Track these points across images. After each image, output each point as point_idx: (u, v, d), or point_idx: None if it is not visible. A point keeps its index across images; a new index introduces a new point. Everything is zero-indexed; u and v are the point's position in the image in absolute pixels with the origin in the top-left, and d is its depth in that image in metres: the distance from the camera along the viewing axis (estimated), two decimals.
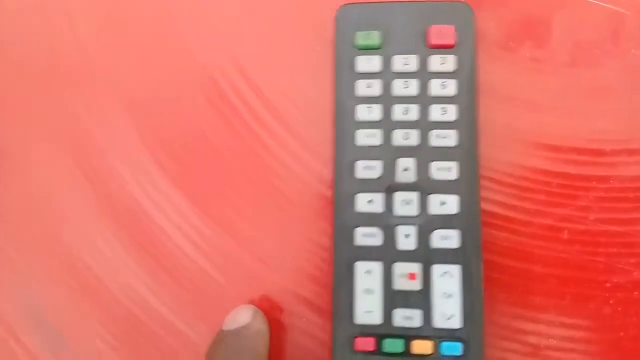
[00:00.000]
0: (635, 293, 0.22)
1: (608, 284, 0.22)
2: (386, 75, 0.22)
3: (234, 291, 0.23)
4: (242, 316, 0.22)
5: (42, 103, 0.26)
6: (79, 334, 0.24)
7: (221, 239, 0.24)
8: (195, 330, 0.23)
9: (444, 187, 0.21)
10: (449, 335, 0.21)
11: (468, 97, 0.22)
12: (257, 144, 0.24)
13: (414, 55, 0.22)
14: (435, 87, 0.22)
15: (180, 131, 0.25)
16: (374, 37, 0.22)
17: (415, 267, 0.21)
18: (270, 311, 0.23)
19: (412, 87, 0.22)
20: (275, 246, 0.23)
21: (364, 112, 0.22)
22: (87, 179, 0.25)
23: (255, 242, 0.24)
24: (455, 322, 0.21)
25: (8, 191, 0.25)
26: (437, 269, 0.21)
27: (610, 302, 0.22)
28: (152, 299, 0.24)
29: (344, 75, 0.23)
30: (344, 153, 0.22)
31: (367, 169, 0.22)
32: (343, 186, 0.22)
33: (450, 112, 0.22)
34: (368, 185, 0.22)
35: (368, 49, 0.22)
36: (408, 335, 0.21)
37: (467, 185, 0.21)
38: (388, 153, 0.22)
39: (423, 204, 0.21)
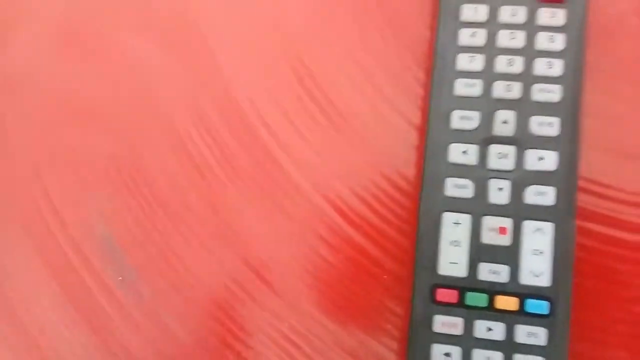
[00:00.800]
0: None
1: None
2: (492, 25, 0.22)
3: None
4: None
5: None
6: None
7: None
8: None
9: (543, 142, 0.21)
10: (536, 293, 0.20)
11: (576, 53, 0.21)
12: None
13: (523, 7, 0.21)
14: (542, 41, 0.21)
15: None
16: None
17: (506, 222, 0.21)
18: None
19: (518, 39, 0.21)
20: None
21: (465, 62, 0.22)
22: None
23: None
24: (544, 280, 0.20)
25: None
26: (528, 225, 0.20)
27: None
28: None
29: (447, 23, 0.22)
30: (440, 102, 0.22)
31: (464, 119, 0.21)
32: (436, 135, 0.22)
33: (556, 67, 0.21)
34: (463, 136, 0.21)
35: None
36: (493, 290, 0.21)
37: (568, 143, 0.21)
38: (487, 104, 0.21)
39: (519, 159, 0.21)
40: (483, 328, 0.20)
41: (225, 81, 0.25)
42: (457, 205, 0.21)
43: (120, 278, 0.23)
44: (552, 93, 0.21)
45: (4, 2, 0.27)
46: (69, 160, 0.25)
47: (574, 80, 0.21)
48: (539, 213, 0.21)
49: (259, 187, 0.24)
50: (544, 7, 0.21)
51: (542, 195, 0.21)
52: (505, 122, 0.21)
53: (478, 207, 0.21)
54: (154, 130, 0.25)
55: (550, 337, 0.20)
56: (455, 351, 0.20)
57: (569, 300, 0.20)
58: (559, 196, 0.21)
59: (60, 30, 0.26)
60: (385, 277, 0.23)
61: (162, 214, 0.24)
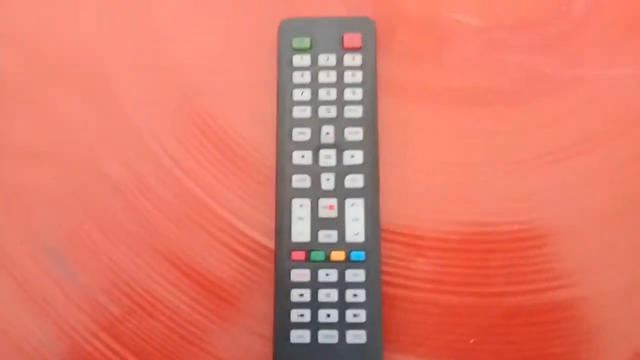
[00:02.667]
0: None
1: None
2: (314, 68, 0.32)
3: None
4: None
5: None
6: None
7: None
8: None
9: (353, 145, 0.31)
10: (356, 247, 0.30)
11: (371, 83, 0.31)
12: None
13: (333, 54, 0.32)
14: (348, 76, 0.31)
15: None
16: (305, 42, 0.32)
17: (333, 201, 0.30)
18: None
19: (332, 76, 0.31)
20: None
21: (298, 94, 0.31)
22: None
23: None
24: (360, 238, 0.30)
25: None
26: (348, 202, 0.30)
27: None
28: None
29: (284, 68, 0.32)
30: (284, 123, 0.31)
31: (301, 134, 0.31)
32: (283, 146, 0.31)
33: (358, 93, 0.31)
34: (301, 145, 0.31)
35: (301, 50, 0.32)
36: (328, 248, 0.30)
37: (369, 144, 0.31)
38: (315, 122, 0.31)
39: (339, 158, 0.31)
40: (323, 274, 0.30)
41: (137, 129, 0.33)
42: (301, 193, 0.31)
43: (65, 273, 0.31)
44: (356, 112, 0.31)
45: None
46: (15, 193, 0.33)
47: (370, 101, 0.31)
48: (354, 193, 0.30)
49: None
50: (347, 52, 0.31)
51: (355, 181, 0.30)
52: (328, 133, 0.31)
53: (314, 193, 0.31)
54: (83, 169, 0.33)
55: (367, 275, 0.30)
56: (306, 292, 0.29)
57: (379, 249, 0.30)
58: (365, 180, 0.30)
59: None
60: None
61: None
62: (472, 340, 0.30)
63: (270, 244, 0.31)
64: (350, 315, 0.29)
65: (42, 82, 0.34)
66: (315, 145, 0.31)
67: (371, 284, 0.29)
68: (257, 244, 0.32)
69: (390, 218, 0.31)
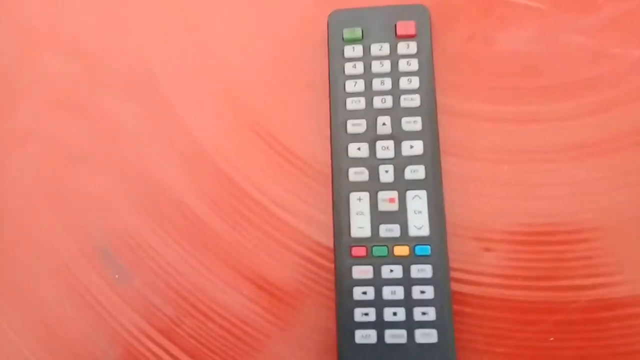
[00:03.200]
0: None
1: None
2: (366, 58, 0.31)
3: None
4: None
5: None
6: None
7: None
8: None
9: (412, 135, 0.29)
10: (421, 241, 0.28)
11: (427, 71, 0.30)
12: None
13: (386, 43, 0.31)
14: (403, 65, 0.30)
15: None
16: (356, 32, 0.31)
17: (393, 194, 0.29)
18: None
19: (385, 66, 0.30)
20: None
21: (351, 86, 0.30)
22: None
23: None
24: (425, 231, 0.28)
25: None
26: (409, 194, 0.29)
27: None
28: None
29: (336, 60, 0.31)
30: (338, 115, 0.30)
31: (355, 126, 0.30)
32: (338, 139, 0.30)
33: (414, 82, 0.30)
34: (356, 137, 0.30)
35: (353, 41, 0.31)
36: (391, 243, 0.28)
37: (429, 132, 0.29)
38: (370, 113, 0.30)
39: (397, 149, 0.29)
40: (387, 271, 0.28)
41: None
42: (359, 186, 0.29)
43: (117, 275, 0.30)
44: (413, 101, 0.30)
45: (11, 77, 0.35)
46: (70, 197, 0.32)
47: (428, 89, 0.30)
48: (415, 185, 0.29)
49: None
50: (401, 41, 0.30)
51: (416, 172, 0.29)
52: (384, 124, 0.30)
53: (373, 186, 0.29)
54: (138, 173, 0.33)
55: (434, 271, 0.28)
56: (370, 290, 0.28)
57: (445, 242, 0.28)
58: (427, 171, 0.29)
59: (56, 96, 0.34)
60: None
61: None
62: (551, 339, 0.28)
63: (329, 242, 0.30)
64: (418, 314, 0.27)
65: (96, 88, 0.34)
66: (372, 137, 0.30)
67: (439, 280, 0.28)
68: (314, 242, 0.30)
69: (454, 210, 0.30)
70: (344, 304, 0.28)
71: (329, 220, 0.30)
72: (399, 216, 0.29)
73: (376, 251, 0.28)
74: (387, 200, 0.29)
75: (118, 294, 0.30)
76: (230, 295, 0.30)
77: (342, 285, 0.28)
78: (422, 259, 0.28)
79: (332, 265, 0.29)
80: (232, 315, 0.30)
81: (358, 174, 0.29)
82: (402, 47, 0.30)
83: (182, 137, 0.33)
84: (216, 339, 0.29)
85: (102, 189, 0.32)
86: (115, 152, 0.33)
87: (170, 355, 0.29)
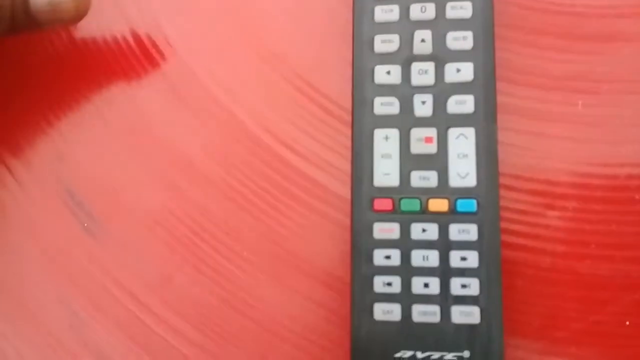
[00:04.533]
0: None
1: None
2: None
3: None
4: None
5: None
6: None
7: None
8: None
9: (460, 56, 0.22)
10: (464, 193, 0.22)
11: None
12: None
13: None
14: None
15: None
16: None
17: (431, 132, 0.22)
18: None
19: None
20: None
21: None
22: None
23: None
24: (471, 181, 0.22)
25: None
26: (452, 132, 0.22)
27: None
28: None
29: None
30: (363, 28, 0.23)
31: (386, 43, 0.23)
32: (362, 60, 0.23)
33: None
34: (386, 58, 0.23)
35: None
36: (425, 195, 0.22)
37: (482, 53, 0.22)
38: (405, 27, 0.23)
39: (439, 73, 0.22)
40: (419, 230, 0.22)
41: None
42: (386, 121, 0.23)
43: None
44: (463, 10, 0.23)
45: None
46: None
47: None
48: (460, 120, 0.22)
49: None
50: None
51: (462, 104, 0.22)
52: (423, 40, 0.23)
53: (405, 122, 0.23)
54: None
55: (480, 232, 0.21)
56: (395, 253, 0.22)
57: (497, 196, 0.22)
58: (477, 103, 0.22)
59: None
60: None
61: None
62: (627, 323, 0.22)
63: (346, 192, 0.24)
64: (456, 286, 0.21)
65: None
66: (406, 57, 0.23)
67: (486, 244, 0.21)
68: (327, 192, 0.25)
69: (509, 154, 0.23)
70: (360, 270, 0.22)
71: (346, 164, 0.24)
72: (438, 161, 0.22)
73: (405, 205, 0.22)
74: (423, 140, 0.22)
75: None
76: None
77: (360, 247, 0.22)
78: (465, 217, 0.22)
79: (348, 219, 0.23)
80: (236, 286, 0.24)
81: (386, 106, 0.23)
82: None
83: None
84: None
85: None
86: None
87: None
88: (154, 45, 0.27)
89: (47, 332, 0.25)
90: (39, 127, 0.27)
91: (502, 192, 0.22)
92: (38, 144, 0.27)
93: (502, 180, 0.22)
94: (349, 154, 0.23)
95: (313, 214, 0.24)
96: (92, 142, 0.26)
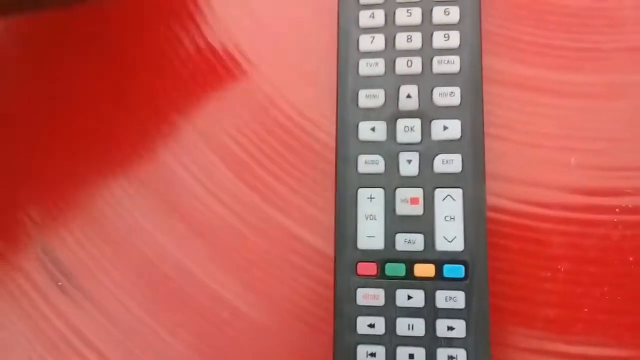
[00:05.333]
0: None
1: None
2: (389, 5, 0.22)
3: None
4: None
5: None
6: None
7: None
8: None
9: (447, 112, 0.22)
10: (452, 258, 0.21)
11: (472, 23, 0.22)
12: None
13: None
14: (438, 14, 0.22)
15: None
16: None
17: (417, 192, 0.21)
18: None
19: (415, 16, 0.22)
20: None
21: (367, 42, 0.22)
22: None
23: None
24: (458, 245, 0.21)
25: None
26: (439, 193, 0.21)
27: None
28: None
29: (347, 7, 0.23)
30: (347, 82, 0.22)
31: (370, 98, 0.22)
32: (346, 115, 0.22)
33: (454, 38, 0.22)
34: (371, 114, 0.22)
35: None
36: (410, 259, 0.21)
37: (470, 110, 0.21)
38: (391, 81, 0.22)
39: (425, 130, 0.22)
40: (404, 296, 0.21)
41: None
42: (371, 180, 0.22)
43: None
44: (451, 64, 0.22)
45: None
46: None
47: (471, 49, 0.22)
48: (447, 180, 0.21)
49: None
50: None
51: (449, 164, 0.21)
52: (409, 96, 0.22)
53: (390, 181, 0.22)
54: None
55: (468, 300, 0.20)
56: (379, 321, 0.21)
57: (485, 262, 0.21)
58: (465, 163, 0.21)
59: None
60: None
61: None
62: None
63: (329, 250, 0.23)
64: (443, 357, 0.20)
65: None
66: (391, 114, 0.22)
67: (474, 313, 0.20)
68: (310, 249, 0.24)
69: (497, 218, 0.22)
70: (343, 339, 0.21)
71: (329, 221, 0.23)
72: (424, 223, 0.21)
73: (390, 269, 0.21)
74: (408, 201, 0.21)
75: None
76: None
77: (343, 314, 0.21)
78: (452, 283, 0.21)
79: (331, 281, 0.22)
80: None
81: (370, 164, 0.22)
82: None
83: None
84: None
85: None
86: None
87: None
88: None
89: None
90: None
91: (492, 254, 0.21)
92: None
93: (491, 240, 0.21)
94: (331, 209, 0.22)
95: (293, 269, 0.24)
96: None
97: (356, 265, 0.21)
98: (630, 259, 0.22)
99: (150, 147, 0.25)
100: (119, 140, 0.26)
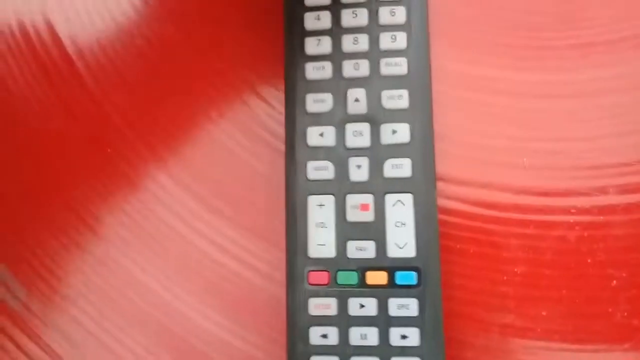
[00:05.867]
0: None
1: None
2: (335, 6, 0.22)
3: None
4: None
5: None
6: None
7: None
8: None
9: (395, 116, 0.21)
10: (403, 264, 0.20)
11: (419, 24, 0.21)
12: None
13: None
14: (385, 15, 0.21)
15: None
16: None
17: (368, 198, 0.21)
18: None
19: (361, 17, 0.21)
20: None
21: (313, 46, 0.22)
22: None
23: None
24: (410, 251, 0.20)
25: None
26: (389, 199, 0.21)
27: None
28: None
29: (292, 8, 0.22)
30: (294, 87, 0.22)
31: (318, 102, 0.21)
32: (294, 121, 0.22)
33: (401, 40, 0.21)
34: (319, 119, 0.21)
35: None
36: (362, 266, 0.21)
37: (419, 113, 0.21)
38: (339, 85, 0.21)
39: (375, 134, 0.21)
40: (356, 305, 0.20)
41: None
42: (320, 187, 0.21)
43: None
44: (398, 66, 0.21)
45: None
46: None
47: (419, 50, 0.21)
48: (397, 185, 0.21)
49: None
50: None
51: (399, 168, 0.21)
52: (357, 100, 0.21)
53: (340, 187, 0.21)
54: None
55: (421, 307, 0.20)
56: (332, 331, 0.20)
57: (438, 267, 0.20)
58: (415, 167, 0.21)
59: None
60: None
61: None
62: None
63: (278, 258, 0.22)
64: None
65: None
66: (340, 118, 0.21)
67: (429, 320, 0.20)
68: (256, 257, 0.23)
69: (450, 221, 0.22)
70: (296, 351, 0.20)
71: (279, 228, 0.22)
72: (375, 230, 0.21)
73: (342, 278, 0.21)
74: (359, 207, 0.21)
75: None
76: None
77: (295, 324, 0.20)
78: (405, 291, 0.20)
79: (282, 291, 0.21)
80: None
81: (320, 170, 0.21)
82: None
83: None
84: None
85: None
86: None
87: None
88: None
89: None
90: None
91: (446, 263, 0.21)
92: None
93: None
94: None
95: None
96: None
97: (307, 274, 0.21)
98: (588, 260, 0.21)
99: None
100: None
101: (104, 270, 0.23)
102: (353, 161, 0.21)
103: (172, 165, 0.24)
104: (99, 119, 0.25)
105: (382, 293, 0.20)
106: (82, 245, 0.24)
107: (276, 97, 0.24)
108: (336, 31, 0.22)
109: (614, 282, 0.21)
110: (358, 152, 0.21)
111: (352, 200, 0.21)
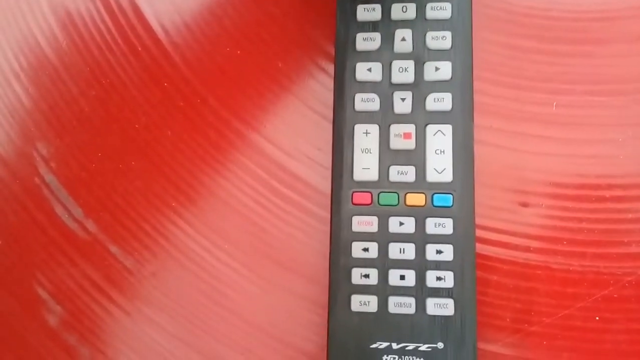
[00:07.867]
0: None
1: None
2: None
3: None
4: None
5: None
6: None
7: None
8: None
9: (438, 55, 0.23)
10: (441, 188, 0.22)
11: None
12: None
13: None
14: None
15: None
16: None
17: (410, 128, 0.23)
18: None
19: None
20: None
21: None
22: None
23: None
24: (447, 176, 0.22)
25: None
26: (430, 129, 0.23)
27: None
28: None
29: None
30: (344, 27, 0.24)
31: (367, 41, 0.23)
32: (344, 57, 0.24)
33: None
34: (367, 56, 0.24)
35: None
36: (403, 189, 0.23)
37: (461, 52, 0.23)
38: (386, 25, 0.24)
39: (418, 71, 0.23)
40: (396, 223, 0.22)
41: None
42: (366, 117, 0.23)
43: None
44: (443, 10, 0.23)
45: None
46: None
47: None
48: (438, 118, 0.23)
49: None
50: None
51: (440, 102, 0.23)
52: (403, 39, 0.23)
53: (385, 118, 0.23)
54: None
55: (456, 226, 0.22)
56: (372, 246, 0.22)
57: (471, 192, 0.22)
58: (455, 101, 0.23)
59: None
60: None
61: None
62: (597, 318, 0.22)
63: (326, 186, 0.24)
64: (432, 278, 0.22)
65: None
66: (387, 56, 0.23)
67: (461, 238, 0.22)
68: (306, 186, 0.25)
69: (486, 152, 0.24)
70: (339, 263, 0.22)
71: (327, 157, 0.24)
72: (416, 156, 0.23)
73: (384, 199, 0.23)
74: (402, 136, 0.23)
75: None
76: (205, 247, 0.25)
77: (339, 240, 0.22)
78: (441, 211, 0.22)
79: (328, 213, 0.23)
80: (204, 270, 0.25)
81: (366, 102, 0.23)
82: None
83: None
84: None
85: None
86: None
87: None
88: None
89: None
90: None
91: (478, 189, 0.23)
92: None
93: (477, 177, 0.23)
94: (329, 149, 0.24)
95: (294, 208, 0.25)
96: None
97: (352, 195, 0.23)
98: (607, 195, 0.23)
99: None
100: None
101: None
102: (398, 95, 0.23)
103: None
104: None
105: (420, 213, 0.22)
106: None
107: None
108: None
109: None
110: (403, 87, 0.23)
111: (396, 129, 0.23)
